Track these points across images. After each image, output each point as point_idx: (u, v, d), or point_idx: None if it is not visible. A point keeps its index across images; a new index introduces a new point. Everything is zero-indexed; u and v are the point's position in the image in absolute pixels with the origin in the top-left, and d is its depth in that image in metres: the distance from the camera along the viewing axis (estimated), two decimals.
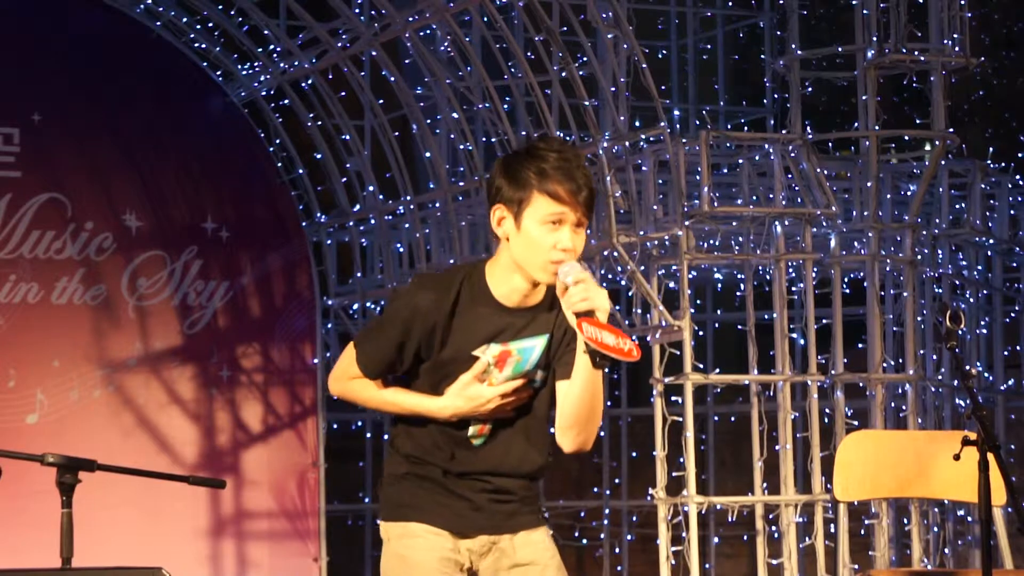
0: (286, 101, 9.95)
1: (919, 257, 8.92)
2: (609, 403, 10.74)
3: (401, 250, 9.93)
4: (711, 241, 9.11)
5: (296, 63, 9.80)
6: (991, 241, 9.81)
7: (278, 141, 9.97)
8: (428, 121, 9.50)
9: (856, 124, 8.80)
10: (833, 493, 6.28)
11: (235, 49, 10.01)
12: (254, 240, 9.77)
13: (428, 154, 9.43)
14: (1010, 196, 9.97)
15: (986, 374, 10.02)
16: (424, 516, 4.07)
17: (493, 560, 4.12)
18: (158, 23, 9.71)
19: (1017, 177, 10.18)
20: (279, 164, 9.93)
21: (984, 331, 10.08)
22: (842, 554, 6.77)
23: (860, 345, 8.88)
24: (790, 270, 9.22)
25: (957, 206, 9.53)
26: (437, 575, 4.03)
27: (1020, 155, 11.52)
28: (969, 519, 9.27)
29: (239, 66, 10.02)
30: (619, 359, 3.89)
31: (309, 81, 9.81)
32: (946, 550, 9.27)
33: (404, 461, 4.14)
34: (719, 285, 10.65)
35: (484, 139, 9.67)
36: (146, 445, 9.36)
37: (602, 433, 10.71)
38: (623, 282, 9.63)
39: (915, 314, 8.72)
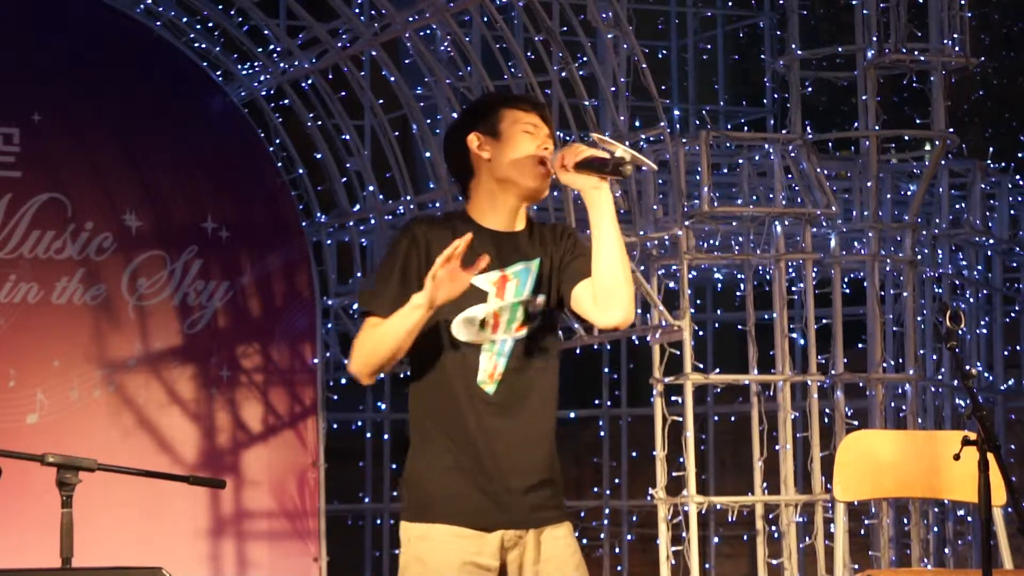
0: (286, 101, 9.95)
1: (919, 257, 8.92)
2: (609, 403, 10.75)
3: None
4: (711, 241, 9.11)
5: (296, 63, 9.80)
6: (991, 241, 9.81)
7: (278, 141, 9.97)
8: (428, 121, 9.50)
9: (856, 124, 8.80)
10: (833, 493, 6.28)
11: (235, 49, 10.01)
12: (254, 240, 9.77)
13: (428, 154, 9.43)
14: (1010, 196, 9.98)
15: (986, 374, 10.02)
16: (446, 517, 4.03)
17: (518, 554, 4.08)
18: (158, 23, 9.70)
19: (1017, 177, 10.19)
20: (279, 164, 9.93)
21: (984, 331, 10.08)
22: (842, 554, 6.76)
23: (860, 345, 8.89)
24: (790, 270, 9.22)
25: (957, 206, 9.54)
26: None
27: (1020, 155, 11.53)
28: (969, 519, 9.27)
29: (239, 66, 10.02)
30: (636, 160, 4.02)
31: (309, 81, 9.81)
32: (946, 550, 9.27)
33: (423, 454, 4.07)
34: (719, 285, 10.65)
35: None
36: (146, 445, 9.36)
37: (602, 433, 10.71)
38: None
39: (915, 314, 8.72)
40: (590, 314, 4.14)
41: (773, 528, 8.39)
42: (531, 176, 4.11)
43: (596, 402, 10.77)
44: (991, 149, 10.64)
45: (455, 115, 9.06)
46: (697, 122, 10.75)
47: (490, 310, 4.08)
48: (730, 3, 11.00)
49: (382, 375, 4.28)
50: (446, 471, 4.05)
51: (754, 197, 8.49)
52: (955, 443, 4.61)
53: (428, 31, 9.36)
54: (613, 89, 8.42)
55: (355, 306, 4.33)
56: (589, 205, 4.07)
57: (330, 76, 9.72)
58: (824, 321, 8.53)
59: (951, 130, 8.69)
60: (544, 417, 4.19)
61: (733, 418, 10.68)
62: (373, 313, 4.07)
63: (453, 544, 4.03)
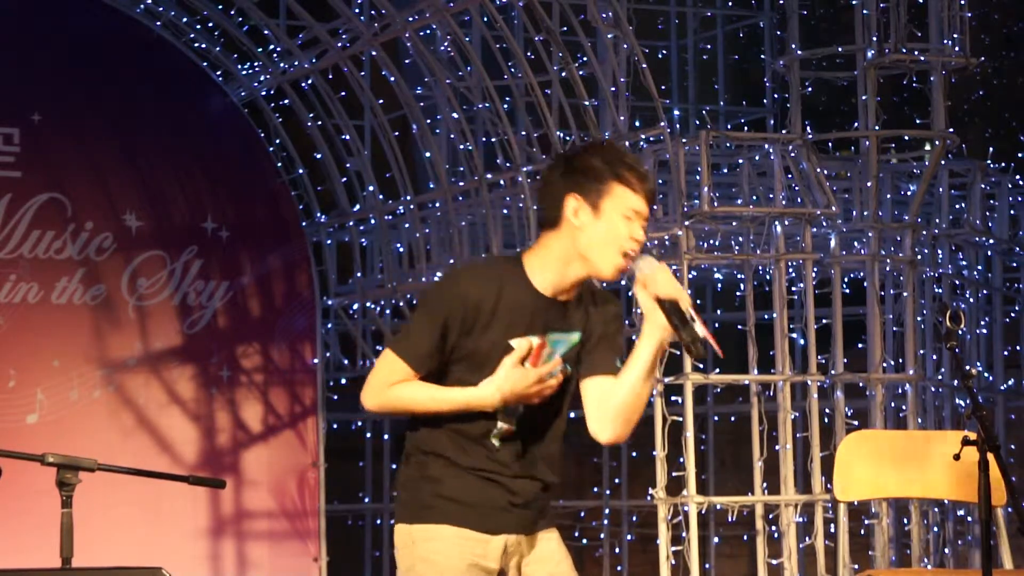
0: (286, 101, 9.95)
1: (919, 257, 8.92)
2: None
3: (401, 250, 9.93)
4: (711, 241, 9.11)
5: (296, 63, 9.81)
6: (991, 241, 9.81)
7: (278, 141, 9.97)
8: (428, 121, 9.50)
9: (856, 124, 8.80)
10: (833, 493, 6.28)
11: (235, 49, 10.01)
12: (254, 240, 9.77)
13: (428, 154, 9.43)
14: (1010, 196, 9.97)
15: (986, 374, 10.02)
16: (451, 518, 4.04)
17: (517, 559, 4.12)
18: (158, 23, 9.71)
19: (1017, 177, 10.19)
20: (279, 164, 9.93)
21: (984, 331, 10.07)
22: (842, 554, 6.77)
23: (860, 345, 8.88)
24: (790, 270, 9.22)
25: (957, 206, 9.54)
26: None
27: (1020, 155, 11.53)
28: (969, 519, 9.27)
29: (239, 66, 10.03)
30: (711, 345, 3.97)
31: (309, 81, 9.81)
32: (946, 550, 9.27)
33: (428, 459, 4.08)
34: (719, 285, 10.65)
35: (484, 139, 9.67)
36: (146, 445, 9.36)
37: None
38: (623, 282, 9.63)
39: (915, 314, 8.72)
40: (587, 414, 4.14)
41: (773, 528, 8.38)
42: (609, 266, 4.01)
43: None
44: (991, 149, 10.63)
45: (455, 115, 9.08)
46: (697, 122, 10.74)
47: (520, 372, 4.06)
48: (730, 3, 10.99)
49: None
50: (453, 476, 4.07)
51: (754, 197, 8.48)
52: (955, 443, 4.61)
53: (428, 31, 9.36)
54: (613, 89, 8.42)
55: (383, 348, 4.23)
56: (645, 330, 4.01)
57: (330, 76, 9.72)
58: (824, 321, 8.53)
59: (951, 130, 8.68)
60: (551, 445, 4.15)
61: (733, 418, 10.67)
62: (408, 364, 4.05)
63: (460, 545, 4.04)
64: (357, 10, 9.38)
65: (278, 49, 9.87)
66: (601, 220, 3.99)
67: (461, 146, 9.24)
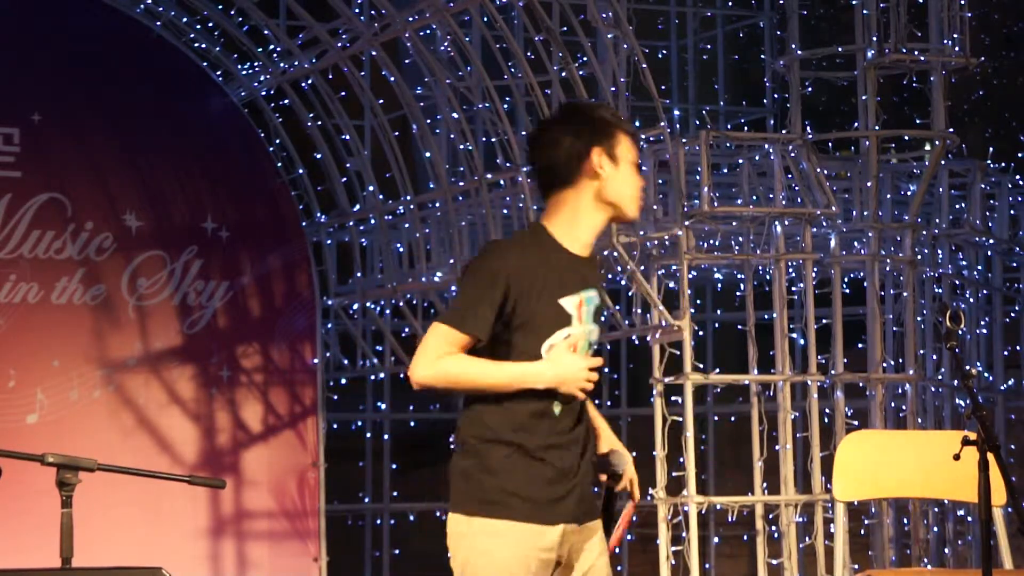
0: (286, 101, 9.95)
1: (919, 257, 8.92)
2: (609, 403, 10.75)
3: (401, 250, 9.93)
4: (711, 241, 9.11)
5: (296, 63, 9.81)
6: (991, 241, 9.81)
7: (278, 141, 9.97)
8: (428, 121, 9.50)
9: (856, 124, 8.80)
10: (833, 493, 6.28)
11: (235, 49, 10.01)
12: (254, 240, 9.77)
13: (428, 154, 9.43)
14: (1010, 196, 9.97)
15: (986, 374, 10.02)
16: (515, 513, 4.11)
17: (568, 547, 4.21)
18: (158, 23, 9.71)
19: (1017, 177, 10.19)
20: (279, 164, 9.93)
21: (984, 331, 10.08)
22: (842, 554, 6.76)
23: (860, 345, 8.89)
24: (790, 270, 9.22)
25: (957, 206, 9.54)
26: (524, 572, 4.11)
27: (1020, 155, 11.53)
28: (969, 519, 9.27)
29: (239, 66, 10.03)
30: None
31: (309, 81, 9.81)
32: (946, 550, 9.27)
33: (488, 448, 4.13)
34: (719, 285, 10.65)
35: (484, 139, 9.67)
36: (146, 445, 9.36)
37: None
38: (623, 282, 9.63)
39: (915, 314, 8.72)
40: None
41: (773, 528, 8.38)
42: (634, 207, 4.27)
43: (596, 402, 10.71)
44: (991, 149, 10.64)
45: (455, 115, 9.09)
46: (697, 122, 10.74)
47: (573, 335, 4.19)
48: (730, 3, 11.00)
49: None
50: (514, 467, 4.13)
51: (754, 197, 8.48)
52: (955, 443, 4.61)
53: (428, 31, 9.36)
54: (613, 89, 8.42)
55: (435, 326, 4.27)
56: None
57: (330, 76, 9.72)
58: (824, 321, 8.53)
59: (951, 130, 8.69)
60: (589, 421, 4.32)
61: (733, 418, 10.67)
62: (469, 334, 4.11)
63: (522, 540, 4.11)
64: (357, 10, 9.38)
65: (278, 49, 9.87)
66: (620, 168, 4.21)
67: (461, 146, 9.24)
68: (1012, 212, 10.06)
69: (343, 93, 9.83)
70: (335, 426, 10.11)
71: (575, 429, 4.20)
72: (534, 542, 4.12)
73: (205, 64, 9.86)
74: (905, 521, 8.88)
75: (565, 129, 4.21)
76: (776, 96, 10.50)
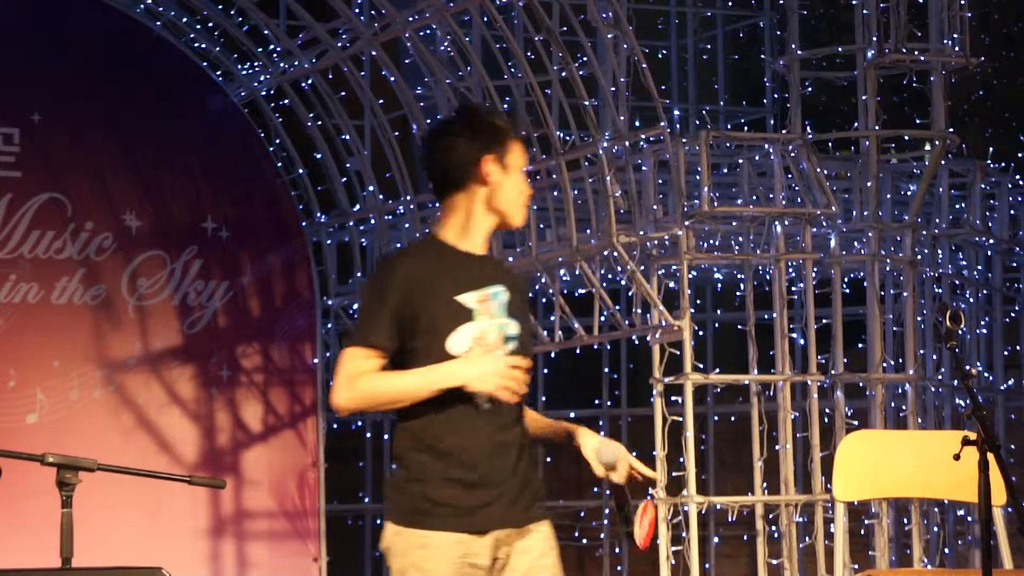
0: (286, 101, 9.95)
1: (919, 257, 8.92)
2: (609, 403, 10.75)
3: None
4: (711, 241, 9.11)
5: (296, 63, 9.80)
6: (991, 241, 9.81)
7: (278, 141, 9.97)
8: (428, 121, 9.49)
9: (856, 124, 8.80)
10: (833, 493, 6.28)
11: (235, 49, 10.01)
12: (254, 240, 9.77)
13: None
14: (1010, 196, 9.97)
15: (986, 374, 10.02)
16: (446, 524, 4.12)
17: (506, 550, 4.19)
18: (158, 23, 9.71)
19: (1017, 177, 10.18)
20: (279, 164, 9.93)
21: (984, 331, 10.07)
22: (842, 554, 6.76)
23: (860, 345, 8.88)
24: (790, 270, 9.22)
25: (957, 206, 9.53)
26: None
27: (1020, 155, 11.52)
28: (969, 519, 9.27)
29: (239, 66, 10.02)
30: (634, 541, 4.38)
31: (309, 81, 9.81)
32: (946, 550, 9.27)
33: (419, 458, 4.15)
34: (719, 285, 10.65)
35: None
36: (146, 445, 9.36)
37: (602, 433, 10.69)
38: (623, 282, 9.63)
39: (915, 314, 8.72)
40: None
41: (773, 528, 8.38)
42: (519, 215, 4.32)
43: (596, 402, 10.77)
44: (991, 149, 10.63)
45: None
46: (697, 122, 10.74)
47: (481, 328, 4.20)
48: (730, 3, 10.99)
49: None
50: (444, 479, 4.14)
51: (754, 197, 8.48)
52: (955, 443, 4.61)
53: (428, 31, 9.36)
54: (613, 89, 8.42)
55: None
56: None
57: (330, 76, 9.72)
58: (824, 321, 8.53)
59: (951, 130, 8.68)
60: (522, 424, 4.28)
61: (733, 418, 10.67)
62: (373, 346, 4.15)
63: (451, 549, 4.12)
64: (357, 10, 9.38)
65: (278, 49, 9.87)
66: (510, 176, 4.28)
67: None
68: (1012, 212, 10.05)
69: (343, 93, 9.83)
70: (335, 426, 10.11)
71: (503, 433, 4.18)
72: (460, 551, 4.12)
73: (205, 64, 9.86)
74: (905, 521, 8.88)
75: (460, 134, 4.26)
76: (776, 96, 10.49)
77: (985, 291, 10.12)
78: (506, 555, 4.19)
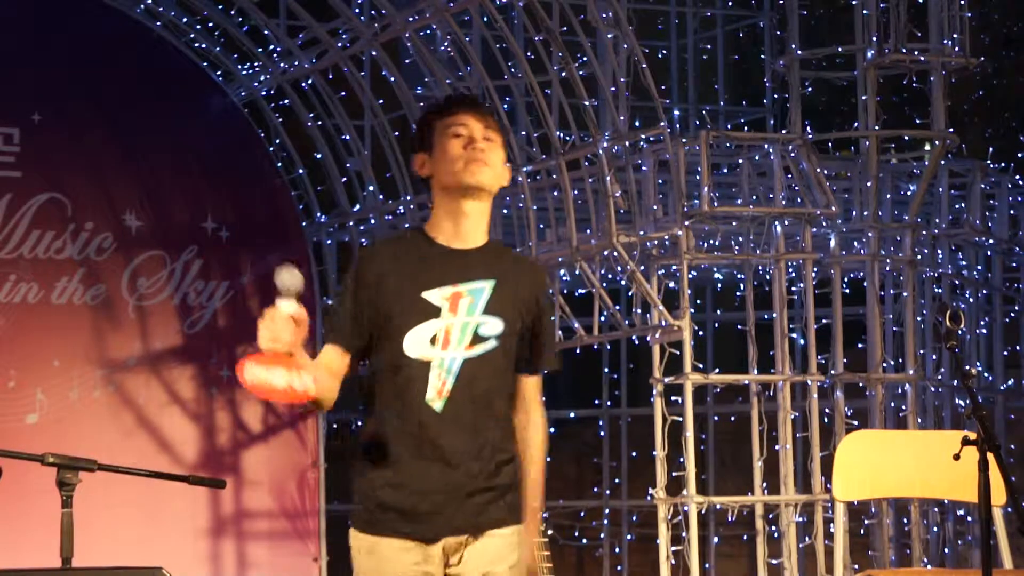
0: (286, 101, 9.95)
1: (919, 257, 8.93)
2: (609, 403, 10.75)
3: None
4: (711, 241, 9.11)
5: (296, 63, 9.81)
6: (991, 241, 9.81)
7: (278, 141, 9.97)
8: None
9: (856, 124, 8.80)
10: (833, 493, 6.28)
11: (235, 49, 10.01)
12: (254, 240, 9.77)
13: None
14: (1010, 196, 9.98)
15: (986, 374, 10.02)
16: (393, 531, 4.03)
17: (458, 556, 4.07)
18: (158, 23, 9.71)
19: (1017, 177, 10.19)
20: (279, 164, 9.93)
21: (984, 331, 10.08)
22: (842, 554, 6.76)
23: (860, 345, 8.89)
24: (790, 270, 9.22)
25: (957, 206, 9.54)
26: None
27: (1020, 155, 11.53)
28: (969, 519, 9.27)
29: (239, 66, 10.03)
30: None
31: (309, 81, 9.81)
32: (946, 550, 9.27)
33: (368, 458, 4.08)
34: (719, 285, 10.66)
35: None
36: (146, 445, 9.36)
37: (602, 433, 10.71)
38: (623, 282, 9.64)
39: (915, 314, 8.73)
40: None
41: (773, 528, 8.39)
42: (463, 174, 4.08)
43: (596, 402, 10.77)
44: (991, 149, 10.64)
45: None
46: (697, 122, 10.75)
47: (441, 326, 4.06)
48: (730, 3, 11.00)
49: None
50: (393, 485, 4.05)
51: (754, 197, 8.49)
52: (955, 443, 4.61)
53: (428, 31, 9.36)
54: (613, 89, 8.42)
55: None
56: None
57: (330, 76, 9.72)
58: (824, 321, 8.53)
59: (951, 130, 8.69)
60: (491, 428, 4.09)
61: (733, 418, 10.68)
62: (336, 343, 4.10)
63: (399, 557, 4.04)
64: (357, 10, 9.38)
65: (278, 49, 9.87)
66: (437, 151, 4.12)
67: None
68: (1012, 212, 10.06)
69: (343, 93, 9.83)
70: (335, 426, 10.11)
71: (453, 440, 4.03)
72: (411, 557, 4.03)
73: (205, 64, 9.86)
74: (905, 521, 8.88)
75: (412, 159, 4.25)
76: (776, 96, 10.50)
77: (985, 291, 10.13)
78: (460, 559, 4.07)
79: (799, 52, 8.91)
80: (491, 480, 4.08)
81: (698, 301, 10.79)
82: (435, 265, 4.08)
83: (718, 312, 10.90)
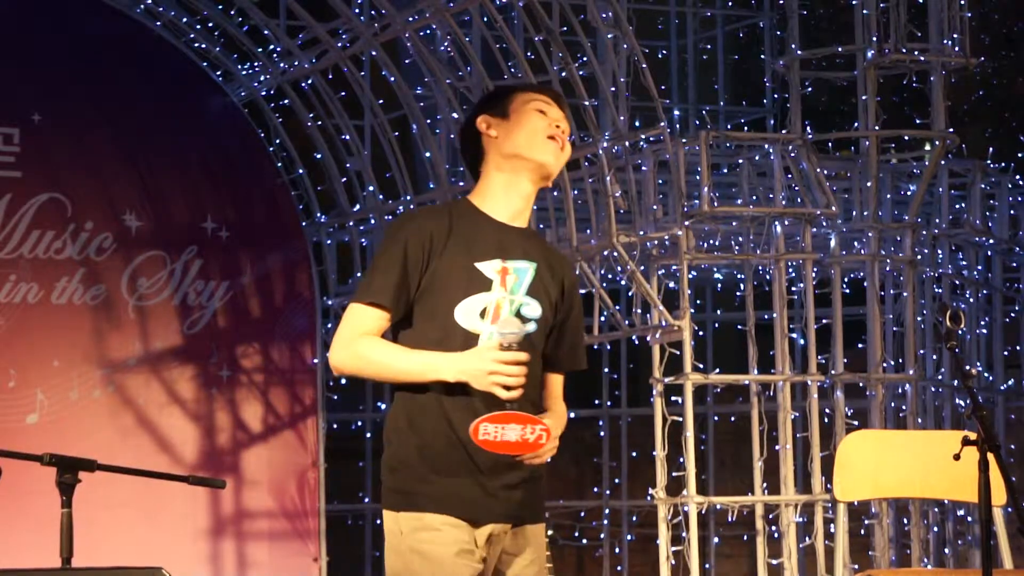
0: (286, 101, 9.95)
1: (919, 257, 8.92)
2: (609, 403, 10.75)
3: None
4: (711, 241, 9.11)
5: (296, 63, 9.81)
6: (991, 241, 9.81)
7: (278, 141, 9.97)
8: (428, 121, 9.50)
9: (856, 124, 8.80)
10: (833, 493, 6.28)
11: (235, 49, 10.01)
12: (254, 240, 9.77)
13: (428, 154, 9.43)
14: (1010, 196, 9.98)
15: (986, 374, 10.02)
16: (441, 506, 3.92)
17: (498, 548, 4.02)
18: (158, 23, 9.71)
19: (1017, 177, 10.19)
20: (279, 164, 9.93)
21: (984, 331, 10.08)
22: (842, 554, 6.76)
23: (860, 345, 8.89)
24: (790, 270, 9.22)
25: (957, 206, 9.54)
26: (461, 570, 3.91)
27: (1020, 155, 11.53)
28: (969, 519, 9.27)
29: (239, 66, 10.02)
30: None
31: (309, 81, 9.81)
32: (946, 550, 9.27)
33: (410, 435, 3.95)
34: (719, 285, 10.65)
35: None
36: (146, 445, 9.36)
37: (602, 433, 10.71)
38: (623, 282, 9.63)
39: (915, 314, 8.73)
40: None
41: (773, 528, 8.38)
42: (540, 149, 4.05)
43: (596, 402, 10.77)
44: (991, 149, 10.64)
45: (455, 115, 9.10)
46: (697, 122, 10.75)
47: (492, 300, 3.98)
48: (730, 3, 11.00)
49: None
50: (440, 459, 3.94)
51: (754, 197, 8.49)
52: (955, 443, 4.61)
53: (428, 31, 9.36)
54: (613, 89, 8.42)
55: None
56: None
57: (330, 76, 9.71)
58: (824, 321, 8.53)
59: (951, 130, 8.69)
60: (528, 411, 4.00)
61: (733, 418, 10.67)
62: (378, 305, 3.95)
63: (449, 534, 3.92)
64: (357, 10, 9.38)
65: (278, 49, 9.87)
66: (512, 121, 4.07)
67: None
68: (1012, 212, 10.06)
69: (343, 93, 9.83)
70: (335, 426, 10.11)
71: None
72: (460, 535, 3.91)
73: (205, 64, 9.86)
74: (905, 521, 8.88)
75: (466, 117, 4.20)
76: (776, 96, 10.50)
77: (985, 291, 10.13)
78: (500, 555, 4.01)
79: (799, 52, 8.91)
80: (530, 469, 4.03)
81: (698, 301, 10.79)
82: (488, 237, 4.01)
83: (718, 312, 10.90)
